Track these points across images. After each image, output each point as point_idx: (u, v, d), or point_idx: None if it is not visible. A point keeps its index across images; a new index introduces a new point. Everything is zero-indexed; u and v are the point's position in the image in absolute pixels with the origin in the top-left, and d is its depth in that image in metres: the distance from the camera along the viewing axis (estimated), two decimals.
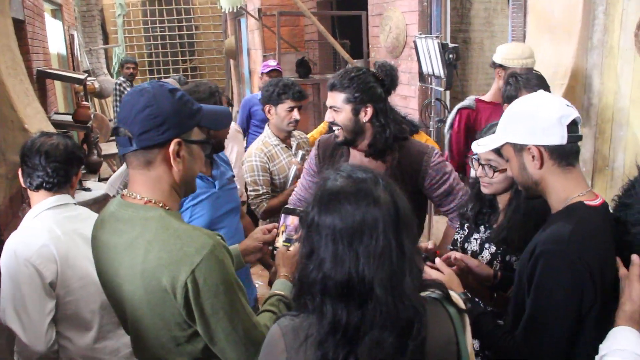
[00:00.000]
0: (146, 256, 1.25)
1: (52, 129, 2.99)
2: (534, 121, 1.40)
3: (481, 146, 1.59)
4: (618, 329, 1.28)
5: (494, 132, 1.57)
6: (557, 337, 1.36)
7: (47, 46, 5.46)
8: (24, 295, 1.83)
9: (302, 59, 6.68)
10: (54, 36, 6.54)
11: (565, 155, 1.41)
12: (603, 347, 1.27)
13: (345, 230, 0.99)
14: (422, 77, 4.48)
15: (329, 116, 2.11)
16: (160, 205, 1.31)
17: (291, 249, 1.61)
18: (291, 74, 6.90)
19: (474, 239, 1.89)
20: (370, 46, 6.16)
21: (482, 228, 1.88)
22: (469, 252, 1.88)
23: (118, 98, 6.99)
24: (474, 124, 3.06)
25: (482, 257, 1.83)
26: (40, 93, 4.74)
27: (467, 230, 1.94)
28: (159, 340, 1.33)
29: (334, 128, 2.11)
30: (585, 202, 1.41)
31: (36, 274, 1.83)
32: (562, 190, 1.43)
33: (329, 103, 2.09)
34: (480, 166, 1.73)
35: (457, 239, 1.97)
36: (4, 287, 1.87)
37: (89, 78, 6.69)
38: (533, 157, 1.41)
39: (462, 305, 1.18)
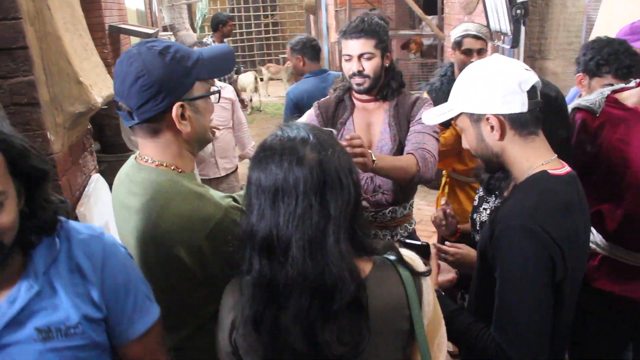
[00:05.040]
0: (157, 221, 1.22)
1: (110, 82, 3.12)
2: (492, 88, 1.26)
3: (432, 117, 1.43)
4: None
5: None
6: (537, 324, 1.20)
7: (123, 2, 5.65)
8: None
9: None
10: None
11: (527, 123, 1.28)
12: None
13: (268, 188, 0.99)
14: (490, 34, 4.22)
15: (355, 66, 2.00)
16: (172, 168, 1.28)
17: None
18: None
19: (484, 209, 1.74)
20: (444, 2, 5.86)
21: (493, 197, 1.71)
22: (478, 223, 1.74)
23: None
24: (594, 136, 1.81)
25: None
26: (113, 47, 4.95)
27: (477, 201, 1.79)
28: (166, 305, 1.27)
29: (355, 79, 2.02)
30: (549, 171, 1.28)
31: None
32: (524, 160, 1.30)
33: (358, 50, 1.98)
34: None
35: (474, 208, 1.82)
36: None
37: (165, 33, 6.90)
38: (492, 127, 1.28)
39: (419, 268, 1.11)
